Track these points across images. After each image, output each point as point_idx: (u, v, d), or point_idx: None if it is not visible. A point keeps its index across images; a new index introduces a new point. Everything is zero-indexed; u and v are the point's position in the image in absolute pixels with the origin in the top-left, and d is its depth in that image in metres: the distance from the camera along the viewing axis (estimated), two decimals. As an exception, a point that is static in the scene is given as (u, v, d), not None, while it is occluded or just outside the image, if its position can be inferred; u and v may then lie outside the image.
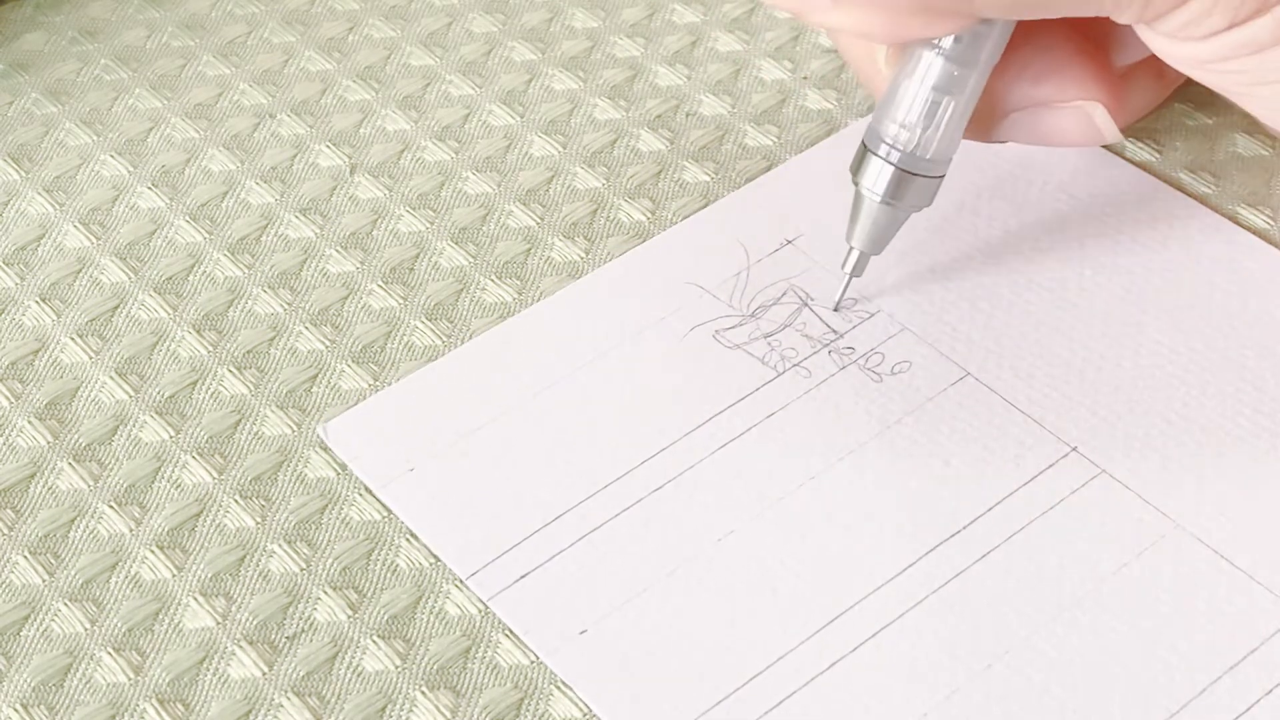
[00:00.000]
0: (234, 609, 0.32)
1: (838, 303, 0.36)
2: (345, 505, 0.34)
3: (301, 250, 0.38)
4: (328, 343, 0.37)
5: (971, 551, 0.32)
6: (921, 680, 0.30)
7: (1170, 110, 0.40)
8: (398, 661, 0.31)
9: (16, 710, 0.31)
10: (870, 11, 0.32)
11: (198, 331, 0.37)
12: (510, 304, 0.37)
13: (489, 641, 0.32)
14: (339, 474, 0.34)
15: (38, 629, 0.32)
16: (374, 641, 0.32)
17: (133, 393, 0.36)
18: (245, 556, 0.33)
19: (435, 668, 0.31)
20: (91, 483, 0.34)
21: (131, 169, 0.41)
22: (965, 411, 0.34)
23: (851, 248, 0.35)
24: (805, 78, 0.42)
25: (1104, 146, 0.38)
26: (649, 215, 0.39)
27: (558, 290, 0.37)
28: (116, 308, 0.38)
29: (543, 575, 0.32)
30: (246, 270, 0.38)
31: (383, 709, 0.31)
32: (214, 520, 0.34)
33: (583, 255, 0.38)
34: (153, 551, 0.33)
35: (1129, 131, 0.39)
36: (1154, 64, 0.35)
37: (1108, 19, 0.32)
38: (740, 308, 0.36)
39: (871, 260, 0.36)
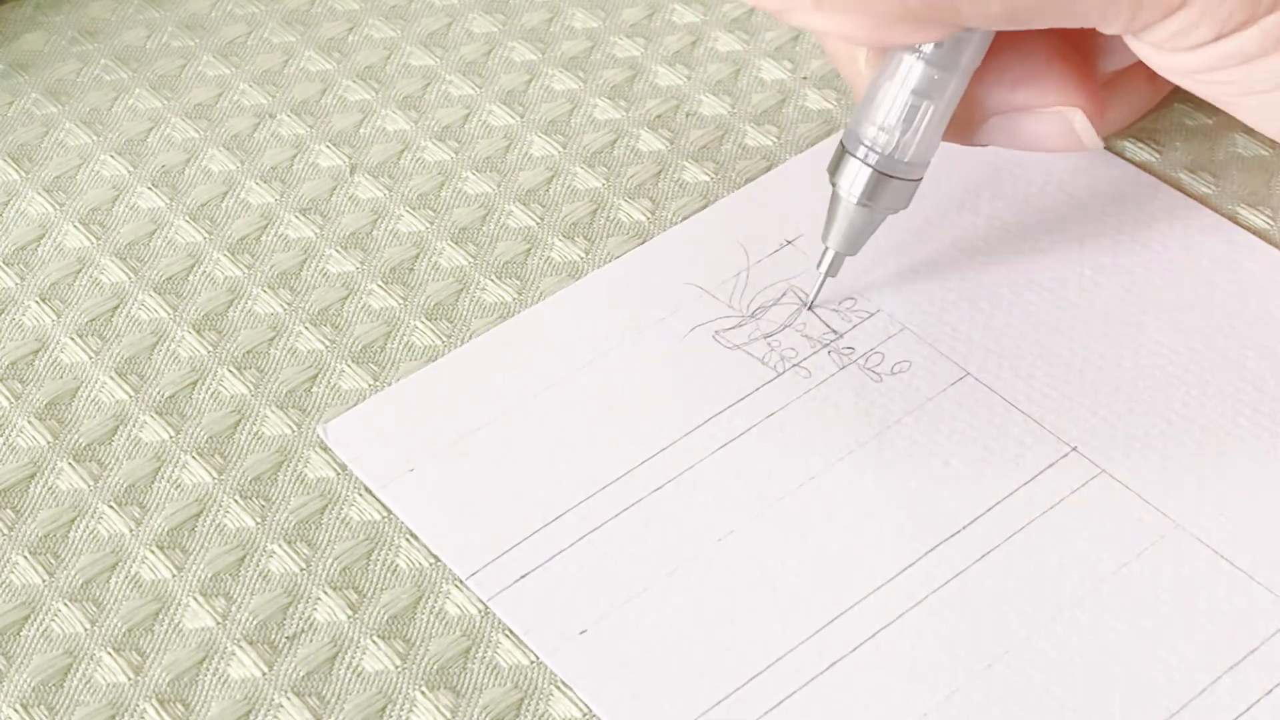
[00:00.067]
0: (234, 609, 0.32)
1: (811, 302, 0.36)
2: (345, 505, 0.34)
3: (301, 250, 0.38)
4: (328, 343, 0.37)
5: (971, 551, 0.32)
6: (921, 680, 0.30)
7: (1170, 110, 0.40)
8: (398, 661, 0.31)
9: (16, 710, 0.31)
10: (853, 16, 0.31)
11: (198, 331, 0.37)
12: (510, 304, 0.37)
13: (489, 641, 0.32)
14: (339, 474, 0.34)
15: (38, 629, 0.32)
16: (374, 641, 0.32)
17: (133, 393, 0.36)
18: (245, 556, 0.33)
19: (435, 668, 0.31)
20: (91, 483, 0.34)
21: (131, 169, 0.41)
22: (965, 411, 0.34)
23: (827, 248, 0.35)
24: (805, 78, 0.41)
25: (1104, 147, 0.38)
26: (649, 215, 0.39)
27: (558, 290, 0.37)
28: (116, 308, 0.38)
29: (543, 575, 0.32)
30: (246, 270, 0.38)
31: (383, 709, 0.31)
32: (214, 520, 0.34)
33: (583, 255, 0.38)
34: (153, 551, 0.33)
35: (1129, 131, 0.39)
36: (1146, 67, 0.35)
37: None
38: (740, 308, 0.36)
39: (871, 261, 0.36)
